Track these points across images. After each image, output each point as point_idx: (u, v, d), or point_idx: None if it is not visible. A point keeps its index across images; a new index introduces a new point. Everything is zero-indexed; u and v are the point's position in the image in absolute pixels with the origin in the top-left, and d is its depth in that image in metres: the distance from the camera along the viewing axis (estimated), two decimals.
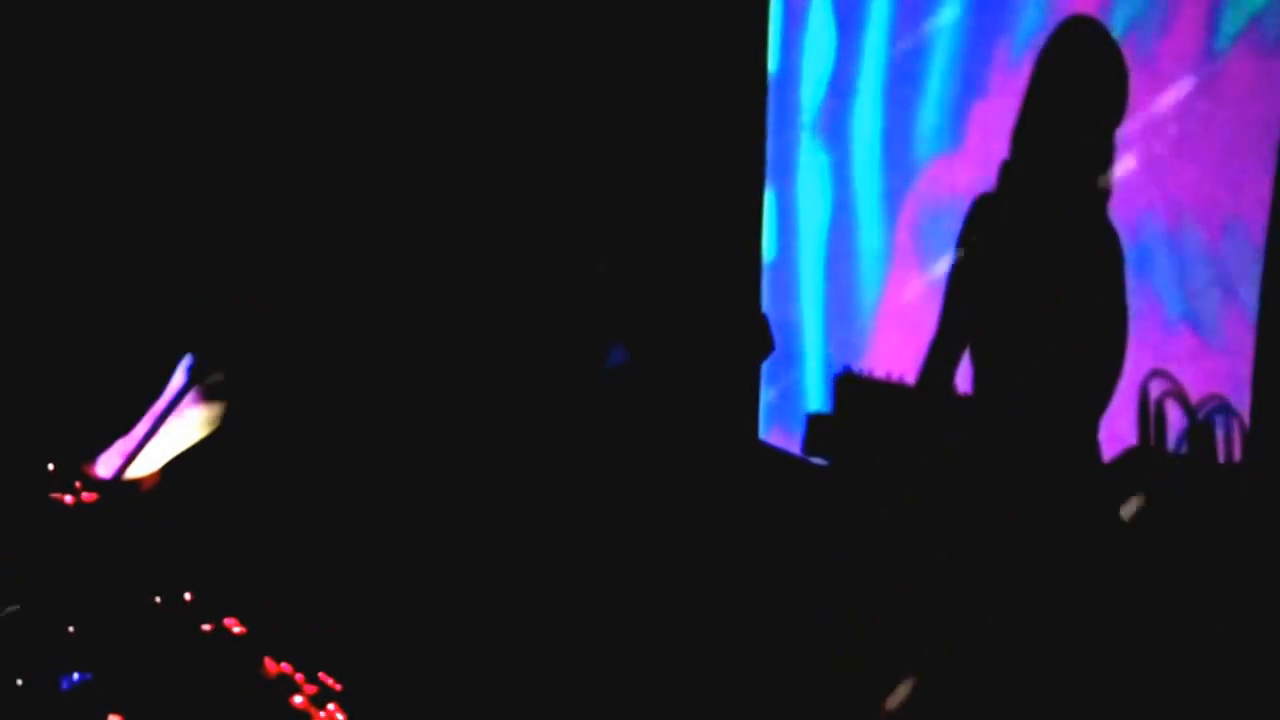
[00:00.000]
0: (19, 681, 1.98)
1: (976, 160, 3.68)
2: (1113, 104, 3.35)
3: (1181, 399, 3.20)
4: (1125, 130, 3.35)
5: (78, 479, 2.31)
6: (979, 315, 3.61)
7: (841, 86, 4.20)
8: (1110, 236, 3.37)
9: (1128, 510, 3.07)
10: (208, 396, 2.42)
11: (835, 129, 4.23)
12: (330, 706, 2.13)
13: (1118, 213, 3.38)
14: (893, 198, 4.03)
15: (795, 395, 4.36)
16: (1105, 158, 3.38)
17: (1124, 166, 3.36)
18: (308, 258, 3.84)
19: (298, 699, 2.12)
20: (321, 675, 2.17)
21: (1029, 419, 3.45)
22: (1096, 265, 3.39)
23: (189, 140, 3.74)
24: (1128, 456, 3.30)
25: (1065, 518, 3.28)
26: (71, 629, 2.06)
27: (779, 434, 4.37)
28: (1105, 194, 3.39)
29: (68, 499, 2.26)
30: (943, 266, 3.72)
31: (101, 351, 3.47)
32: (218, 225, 3.71)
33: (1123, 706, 2.95)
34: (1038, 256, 3.48)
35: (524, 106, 4.15)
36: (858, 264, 4.15)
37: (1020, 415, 3.47)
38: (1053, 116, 3.46)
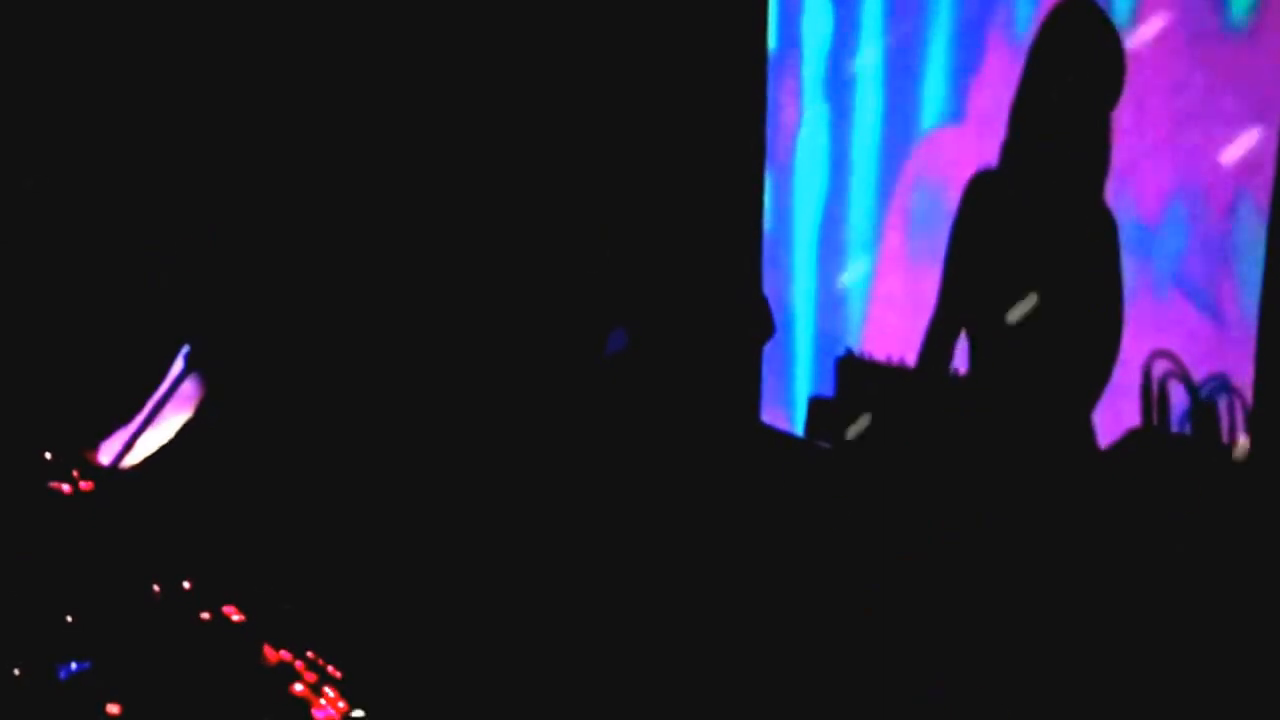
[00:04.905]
0: (17, 670, 1.98)
1: (975, 137, 3.67)
2: (1114, 82, 3.33)
3: (1184, 379, 3.19)
4: (1128, 109, 3.34)
5: (76, 467, 2.31)
6: (976, 295, 3.60)
7: (840, 66, 4.18)
8: (1108, 216, 3.36)
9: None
10: (205, 385, 2.42)
11: (834, 109, 4.21)
12: (330, 693, 2.13)
13: (1120, 191, 3.36)
14: (891, 177, 4.02)
15: (797, 378, 4.35)
16: (1107, 136, 3.36)
17: (1127, 145, 3.35)
18: (309, 243, 3.83)
19: (297, 686, 2.11)
20: (321, 662, 2.17)
21: (1027, 400, 3.44)
22: (1095, 245, 3.38)
23: (188, 136, 3.74)
24: (1130, 437, 3.29)
25: (1066, 500, 3.27)
26: (70, 618, 2.06)
27: (780, 417, 4.36)
28: (1106, 173, 3.38)
29: (65, 488, 2.25)
30: (940, 246, 3.71)
31: (100, 342, 3.46)
32: (214, 218, 3.70)
33: (1123, 697, 2.95)
34: (1036, 236, 3.47)
35: (522, 91, 4.13)
36: (855, 245, 4.14)
37: (1018, 396, 3.46)
38: (1053, 95, 3.45)
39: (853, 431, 3.93)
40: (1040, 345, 3.45)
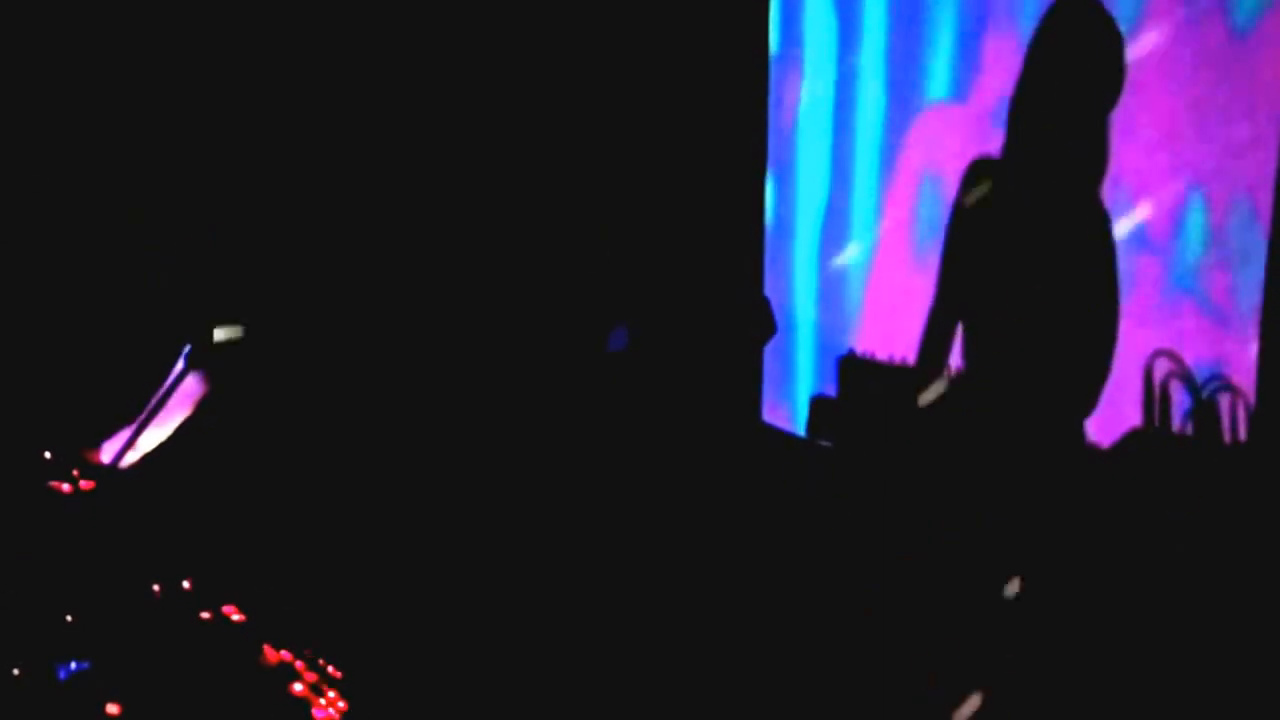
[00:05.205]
0: (17, 671, 1.98)
1: (978, 137, 3.67)
2: (1115, 81, 3.33)
3: (1186, 379, 3.19)
4: (1130, 108, 3.33)
5: (76, 467, 2.31)
6: (973, 293, 3.60)
7: (841, 67, 4.18)
8: (1104, 214, 3.37)
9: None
10: (205, 385, 2.42)
11: (835, 110, 4.21)
12: (330, 694, 2.13)
13: (1123, 191, 3.36)
14: (892, 177, 4.01)
15: (799, 377, 4.35)
16: (1108, 135, 3.36)
17: (1129, 144, 3.34)
18: (310, 243, 3.83)
19: (297, 686, 2.11)
20: (321, 662, 2.17)
21: (1027, 398, 3.44)
22: (1092, 243, 3.38)
23: (188, 136, 3.74)
24: (1131, 437, 3.29)
25: (1066, 500, 3.27)
26: (70, 617, 2.06)
27: (782, 416, 4.36)
28: (1105, 171, 3.37)
29: (65, 487, 2.25)
30: (937, 248, 3.72)
31: (100, 342, 3.47)
32: (214, 218, 3.71)
33: (1123, 697, 2.95)
34: (1033, 233, 3.47)
35: (524, 91, 4.14)
36: (857, 244, 4.14)
37: (1018, 394, 3.46)
38: (1055, 94, 3.45)
39: (854, 431, 3.93)
40: (1038, 343, 3.45)
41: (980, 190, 3.60)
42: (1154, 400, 3.24)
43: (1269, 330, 3.03)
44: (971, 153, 3.66)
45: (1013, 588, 3.23)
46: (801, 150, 4.34)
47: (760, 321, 4.23)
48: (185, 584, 2.17)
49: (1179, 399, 3.21)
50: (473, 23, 4.09)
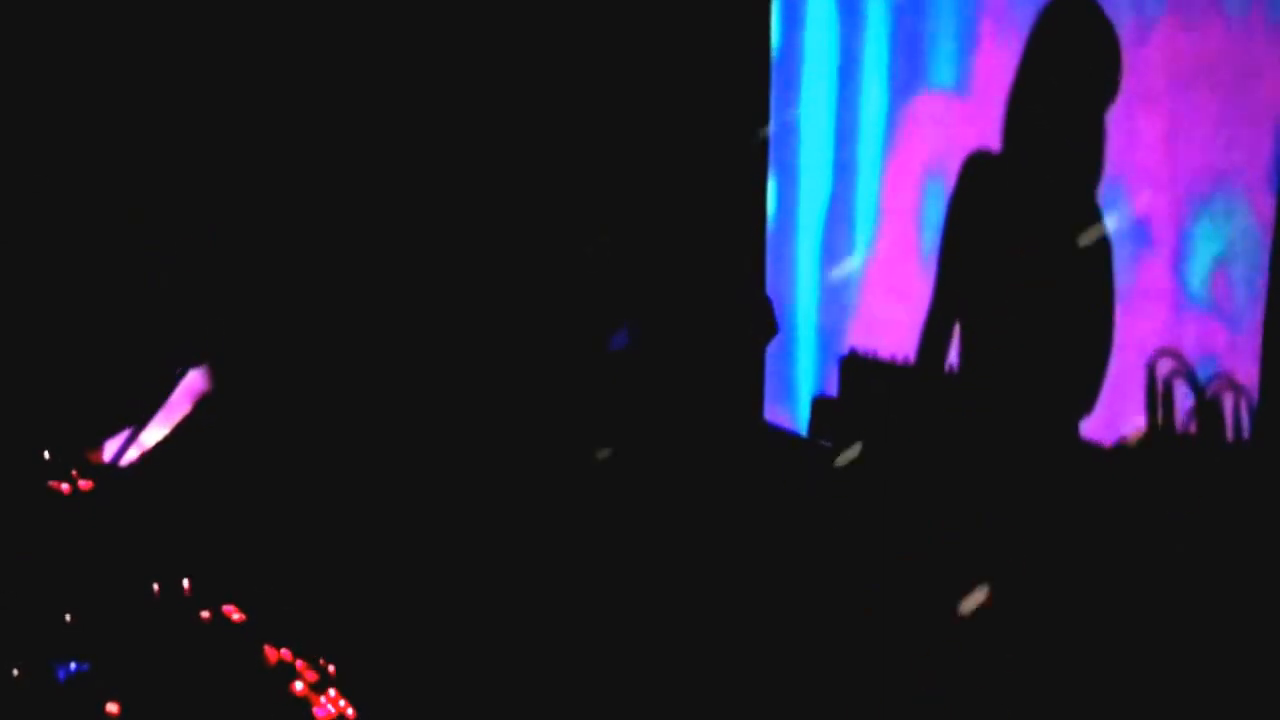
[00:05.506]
0: (17, 671, 1.98)
1: (980, 137, 3.67)
2: (1113, 79, 3.33)
3: (1189, 377, 3.19)
4: (1130, 106, 3.33)
5: (76, 467, 2.31)
6: (971, 292, 3.60)
7: (843, 66, 4.18)
8: (1100, 213, 3.37)
9: None
10: (205, 384, 2.42)
11: (837, 109, 4.21)
12: (330, 693, 2.13)
13: (1124, 190, 3.36)
14: (894, 176, 4.01)
15: (800, 377, 4.35)
16: (1106, 134, 3.36)
17: (1130, 142, 3.34)
18: (309, 243, 3.83)
19: (298, 686, 2.11)
20: (321, 662, 2.17)
21: (1027, 397, 3.44)
22: (1091, 242, 3.38)
23: (188, 136, 3.74)
24: (1134, 436, 3.29)
25: (1066, 500, 3.27)
26: (70, 617, 2.06)
27: (783, 415, 4.36)
28: (1105, 170, 3.37)
29: (65, 488, 2.25)
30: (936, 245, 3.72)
31: (100, 342, 3.47)
32: (214, 218, 3.71)
33: (1123, 697, 2.95)
34: (1031, 231, 3.48)
35: (525, 92, 4.14)
36: (859, 244, 4.14)
37: (1018, 393, 3.46)
38: (1055, 93, 3.45)
39: (857, 431, 3.93)
40: (1039, 342, 3.45)
41: (980, 189, 3.60)
42: (1156, 399, 3.24)
43: (1271, 328, 3.03)
44: (976, 154, 3.66)
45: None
46: (803, 150, 4.34)
47: (762, 321, 4.23)
48: (185, 584, 2.17)
49: (1182, 398, 3.21)
50: (472, 22, 4.09)
